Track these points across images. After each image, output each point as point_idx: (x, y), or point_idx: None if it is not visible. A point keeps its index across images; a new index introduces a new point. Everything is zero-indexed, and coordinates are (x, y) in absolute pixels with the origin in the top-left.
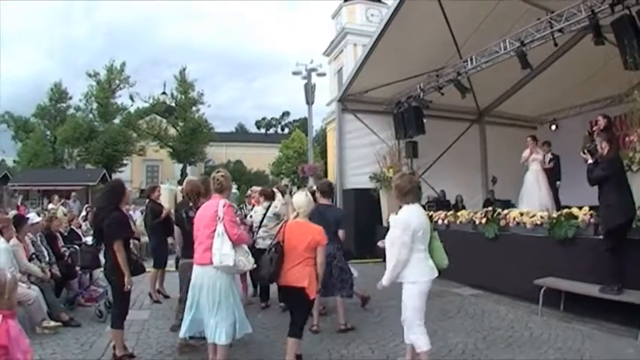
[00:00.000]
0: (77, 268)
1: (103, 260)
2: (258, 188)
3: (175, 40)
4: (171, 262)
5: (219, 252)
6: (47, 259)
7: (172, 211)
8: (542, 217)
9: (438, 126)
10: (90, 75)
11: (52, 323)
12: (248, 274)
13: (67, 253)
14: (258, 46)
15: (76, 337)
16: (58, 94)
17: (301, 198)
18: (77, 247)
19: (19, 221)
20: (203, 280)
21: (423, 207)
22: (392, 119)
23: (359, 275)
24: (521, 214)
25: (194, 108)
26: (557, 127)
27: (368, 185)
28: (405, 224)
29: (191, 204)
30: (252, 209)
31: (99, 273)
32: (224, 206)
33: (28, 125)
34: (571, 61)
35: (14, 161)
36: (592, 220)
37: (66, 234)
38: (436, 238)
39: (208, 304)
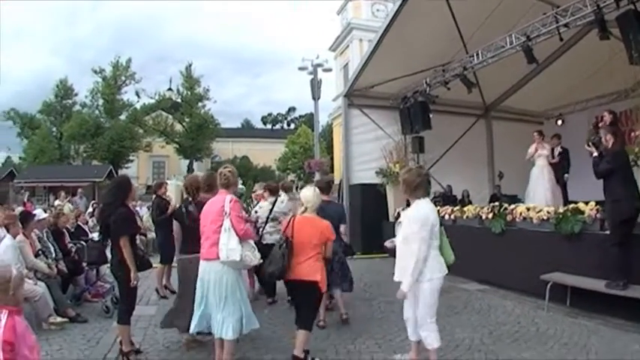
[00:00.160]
0: (84, 264)
1: (109, 256)
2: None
3: (181, 36)
4: None
5: (226, 247)
6: (54, 255)
7: (178, 206)
8: (548, 213)
9: (445, 121)
10: (95, 71)
11: (59, 319)
12: (253, 270)
13: (73, 249)
14: (264, 42)
15: (82, 333)
16: (64, 90)
17: (309, 193)
18: (84, 243)
19: (26, 217)
20: (210, 275)
21: None
22: (398, 114)
23: (366, 271)
24: (528, 209)
25: (200, 104)
26: (563, 122)
27: (374, 180)
28: (423, 219)
29: (190, 198)
30: (257, 204)
31: (105, 269)
32: (230, 201)
33: (33, 122)
34: (576, 56)
35: (20, 158)
36: (598, 216)
37: (73, 230)
38: (443, 233)
39: (215, 299)
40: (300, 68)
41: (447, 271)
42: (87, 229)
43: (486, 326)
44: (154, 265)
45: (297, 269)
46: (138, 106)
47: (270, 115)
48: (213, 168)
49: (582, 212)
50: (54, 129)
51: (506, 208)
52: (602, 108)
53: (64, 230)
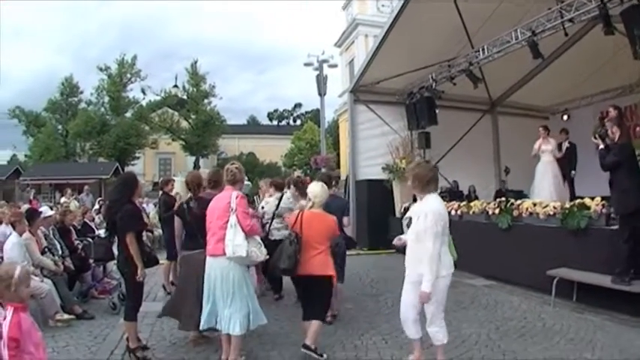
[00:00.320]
0: (90, 261)
1: (116, 253)
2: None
3: (186, 33)
4: None
5: (232, 243)
6: (60, 252)
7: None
8: (554, 208)
9: (451, 116)
10: (101, 69)
11: (66, 316)
12: (260, 267)
13: (80, 246)
14: (269, 38)
15: (89, 330)
16: (69, 88)
17: (317, 188)
18: (90, 239)
19: (32, 215)
20: (216, 271)
21: None
22: (404, 110)
23: (373, 267)
24: (534, 205)
25: (206, 100)
26: (569, 117)
27: (381, 176)
28: (438, 214)
29: (191, 194)
30: (262, 199)
31: (112, 265)
32: (237, 197)
33: (39, 120)
34: (581, 51)
35: (26, 156)
36: (604, 211)
37: (79, 227)
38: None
39: (222, 295)
40: (306, 64)
41: (453, 267)
42: (93, 226)
43: (493, 321)
44: (160, 262)
45: (309, 264)
46: (144, 103)
47: (276, 111)
48: (219, 165)
49: (588, 207)
50: (59, 127)
51: (512, 204)
52: (607, 103)
53: (71, 227)
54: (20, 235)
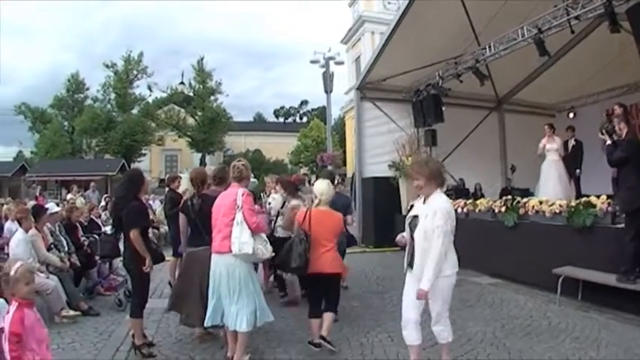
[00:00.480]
0: (96, 258)
1: (122, 249)
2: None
3: (193, 30)
4: None
5: (238, 240)
6: (66, 248)
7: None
8: (560, 206)
9: (457, 114)
10: (107, 66)
11: (72, 312)
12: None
13: (86, 243)
14: (275, 35)
15: (95, 326)
16: (75, 84)
17: (323, 185)
18: (97, 236)
19: (38, 211)
20: (221, 268)
21: None
22: (411, 107)
23: (378, 264)
24: (540, 203)
25: (212, 97)
26: (575, 115)
27: (387, 174)
28: (447, 213)
29: (194, 191)
30: (269, 195)
31: (118, 262)
32: (243, 195)
33: (45, 116)
34: (587, 49)
35: (32, 152)
36: (610, 209)
37: (86, 224)
38: None
39: (229, 292)
40: (312, 61)
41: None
42: (100, 223)
43: (498, 320)
44: (166, 258)
45: (320, 262)
46: (150, 99)
47: (282, 108)
48: (225, 162)
49: (594, 205)
50: (65, 123)
51: (518, 202)
52: (613, 101)
53: (77, 224)
54: (26, 231)
